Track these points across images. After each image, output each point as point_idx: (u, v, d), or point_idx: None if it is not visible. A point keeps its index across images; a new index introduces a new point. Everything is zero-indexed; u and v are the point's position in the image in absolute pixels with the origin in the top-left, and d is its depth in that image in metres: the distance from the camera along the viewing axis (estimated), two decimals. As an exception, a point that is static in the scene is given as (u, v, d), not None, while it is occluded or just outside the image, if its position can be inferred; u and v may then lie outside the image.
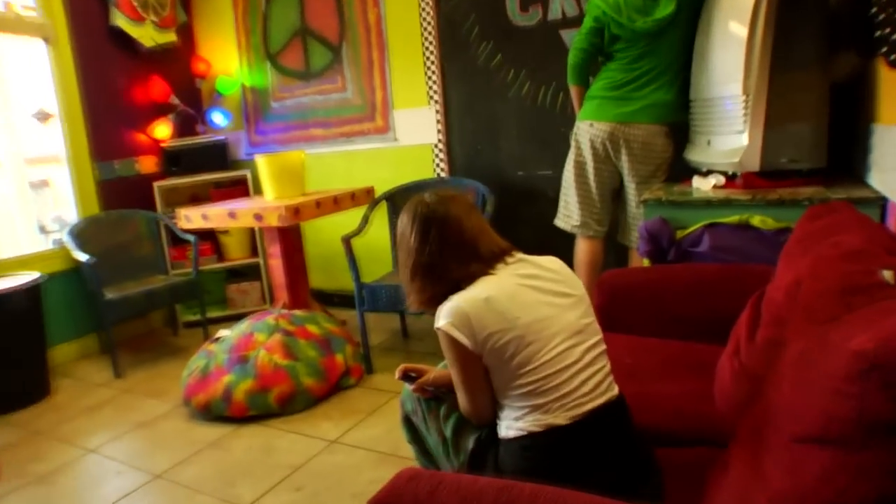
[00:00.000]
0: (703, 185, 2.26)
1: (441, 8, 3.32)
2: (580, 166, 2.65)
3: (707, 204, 2.09)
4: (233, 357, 2.65)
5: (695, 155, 2.44)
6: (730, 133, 2.19)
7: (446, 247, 1.31)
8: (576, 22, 3.00)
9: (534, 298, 1.27)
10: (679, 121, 2.52)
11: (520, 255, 1.37)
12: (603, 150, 2.56)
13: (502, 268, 1.32)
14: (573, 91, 2.70)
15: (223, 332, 2.88)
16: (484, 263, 1.31)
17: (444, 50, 3.35)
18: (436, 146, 3.48)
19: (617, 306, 1.99)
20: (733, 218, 2.03)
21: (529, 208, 3.27)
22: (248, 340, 2.71)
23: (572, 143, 2.66)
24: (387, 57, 3.51)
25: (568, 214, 2.75)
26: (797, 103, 2.08)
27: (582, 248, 2.74)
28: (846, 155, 2.27)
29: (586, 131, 2.59)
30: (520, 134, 3.26)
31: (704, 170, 2.35)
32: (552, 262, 1.37)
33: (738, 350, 1.33)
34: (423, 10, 3.36)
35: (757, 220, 1.99)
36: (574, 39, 2.60)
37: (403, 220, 1.38)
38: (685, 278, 1.97)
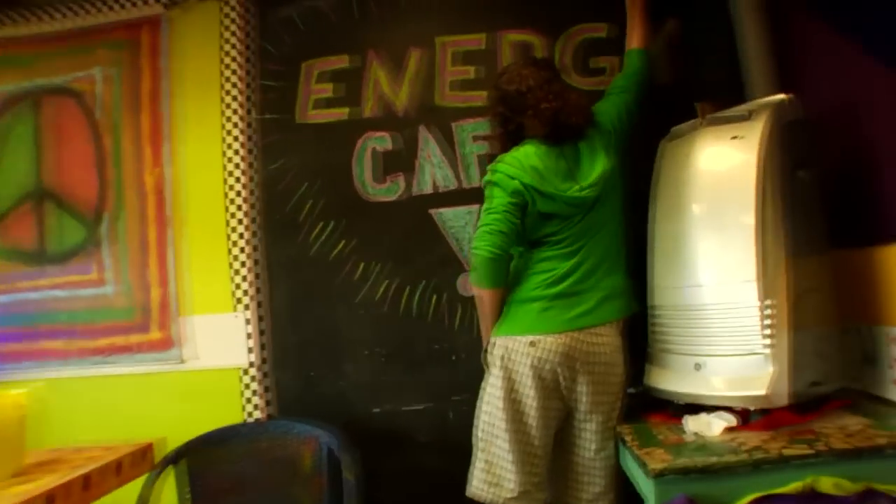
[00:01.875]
0: (705, 430, 1.55)
1: (260, 171, 2.40)
2: (515, 405, 1.77)
3: (746, 466, 1.37)
4: None
5: (670, 383, 1.73)
6: (739, 354, 1.59)
7: None
8: (455, 198, 2.24)
9: None
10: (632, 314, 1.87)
11: None
12: (552, 379, 1.75)
13: None
14: (486, 296, 1.86)
15: None
16: None
17: (262, 232, 2.36)
18: (246, 371, 2.39)
19: None
20: (794, 485, 1.34)
21: (395, 461, 2.24)
22: None
23: (494, 373, 1.79)
24: (171, 238, 2.44)
25: (495, 481, 1.77)
26: (814, 304, 1.61)
27: None
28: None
29: (525, 353, 1.75)
30: (374, 353, 2.30)
31: (682, 403, 1.68)
32: None
33: None
34: (231, 172, 2.40)
35: (827, 483, 1.32)
36: (482, 223, 1.83)
37: None
38: None
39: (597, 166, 1.87)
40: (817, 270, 1.63)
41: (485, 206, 1.86)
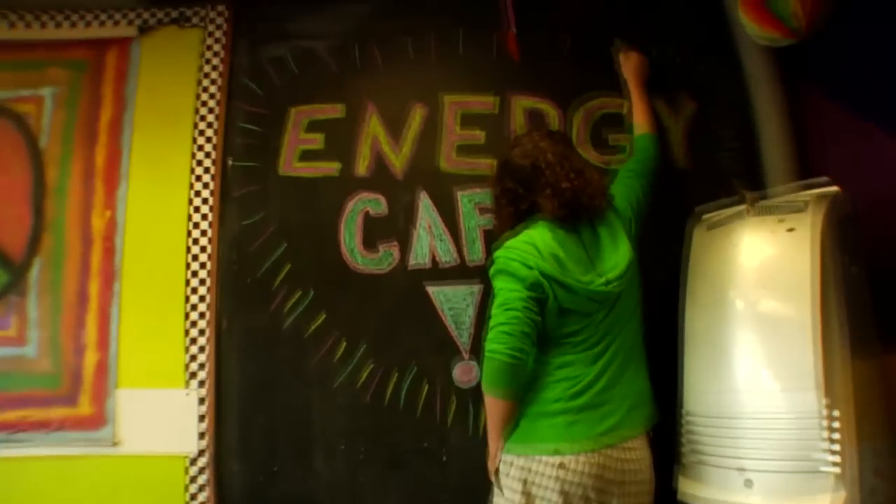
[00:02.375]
0: None
1: (226, 225, 2.08)
2: None
3: None
4: None
5: (715, 493, 1.52)
6: (797, 471, 1.41)
7: None
8: (455, 275, 2.00)
9: None
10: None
11: None
12: None
13: None
14: (501, 406, 1.58)
15: None
16: None
17: (228, 296, 2.05)
18: (195, 461, 2.02)
19: None
20: None
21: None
22: None
23: (511, 497, 1.52)
24: (117, 294, 2.08)
25: None
26: (872, 414, 1.49)
27: None
28: None
29: (553, 476, 1.49)
30: (352, 448, 1.99)
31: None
32: None
33: None
34: (197, 224, 2.07)
35: None
36: (497, 322, 1.55)
37: None
38: None
39: (621, 256, 1.68)
40: (872, 377, 1.51)
41: (498, 299, 1.60)
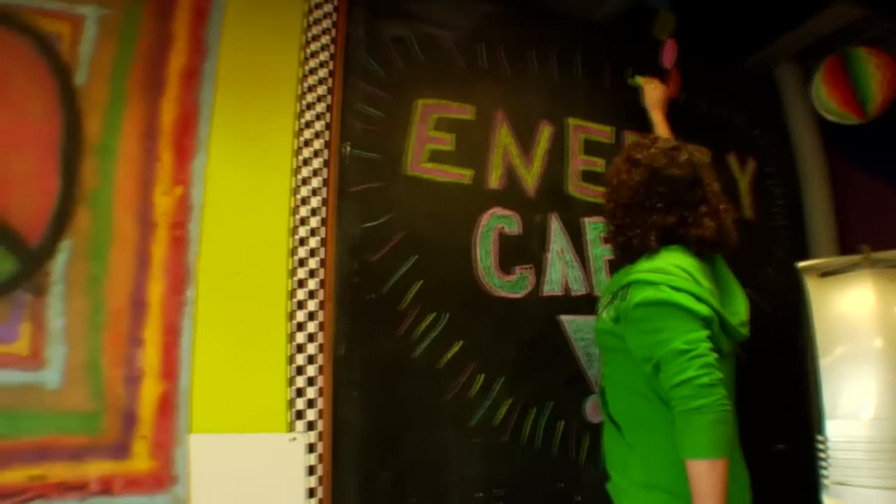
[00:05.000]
0: None
1: (344, 226, 1.76)
2: None
3: None
4: None
5: None
6: None
7: None
8: (585, 306, 1.98)
9: None
10: None
11: None
12: None
13: None
14: (722, 472, 1.37)
15: None
16: None
17: (344, 315, 1.71)
18: None
19: None
20: None
21: None
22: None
23: None
24: (191, 302, 1.58)
25: None
26: None
27: None
28: None
29: None
30: (489, 495, 1.77)
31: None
32: None
33: None
34: (304, 220, 1.72)
35: None
36: (681, 373, 1.38)
37: None
38: None
39: (744, 297, 1.71)
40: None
41: (672, 345, 1.41)
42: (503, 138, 2.02)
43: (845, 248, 2.33)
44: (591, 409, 1.96)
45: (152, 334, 1.55)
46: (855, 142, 2.44)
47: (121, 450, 1.48)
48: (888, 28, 2.23)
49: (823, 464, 1.90)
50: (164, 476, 1.51)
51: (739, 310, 1.64)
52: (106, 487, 1.45)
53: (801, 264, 2.04)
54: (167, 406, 1.54)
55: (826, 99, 2.29)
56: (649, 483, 1.52)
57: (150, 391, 1.52)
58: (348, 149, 1.80)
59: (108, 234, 1.55)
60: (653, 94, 2.20)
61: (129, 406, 1.50)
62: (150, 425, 1.52)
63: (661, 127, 2.14)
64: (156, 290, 1.57)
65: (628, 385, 1.60)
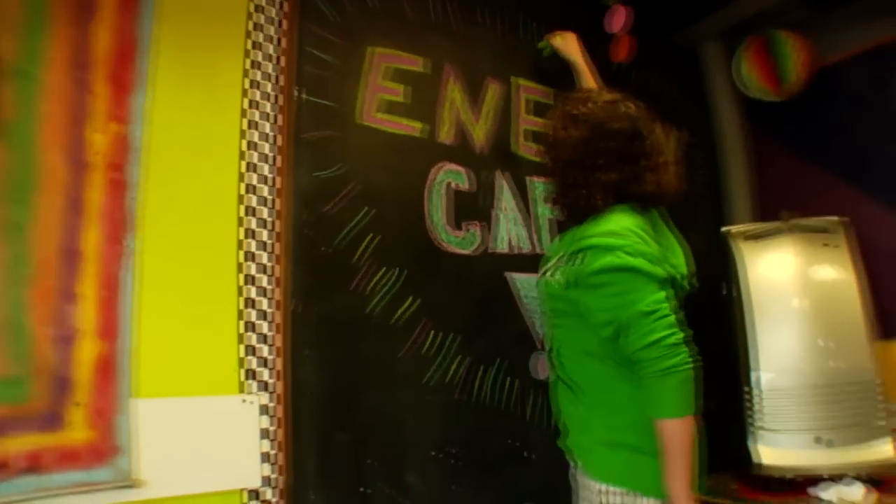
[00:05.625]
0: (849, 497, 1.81)
1: (302, 177, 1.66)
2: None
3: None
4: None
5: (790, 460, 1.93)
6: (860, 424, 1.92)
7: None
8: (529, 264, 1.99)
9: None
10: None
11: None
12: None
13: None
14: (691, 430, 1.43)
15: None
16: None
17: (298, 269, 1.62)
18: (256, 495, 1.51)
19: None
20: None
21: None
22: None
23: None
24: (132, 253, 1.42)
25: None
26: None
27: None
28: None
29: None
30: (445, 454, 1.76)
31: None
32: None
33: None
34: (254, 166, 1.60)
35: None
36: (651, 334, 1.41)
37: None
38: None
39: (683, 249, 1.74)
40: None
41: (638, 306, 1.43)
42: (452, 93, 1.98)
43: (763, 215, 2.51)
44: (538, 367, 2.01)
45: (88, 288, 1.38)
46: (774, 118, 2.63)
47: (52, 420, 1.32)
48: (804, 15, 2.41)
49: (750, 413, 2.07)
50: (104, 447, 1.37)
51: (680, 261, 1.69)
52: (33, 464, 1.29)
53: (728, 229, 2.19)
54: (107, 369, 1.38)
55: (748, 76, 2.45)
56: (613, 441, 1.56)
57: (86, 352, 1.37)
58: (299, 93, 1.70)
59: (32, 173, 1.36)
60: (565, 43, 2.13)
61: (60, 370, 1.34)
62: (88, 391, 1.36)
63: (585, 73, 2.10)
64: (91, 238, 1.40)
65: (583, 348, 1.63)
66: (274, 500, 1.52)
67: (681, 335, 1.44)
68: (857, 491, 1.82)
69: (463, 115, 2.00)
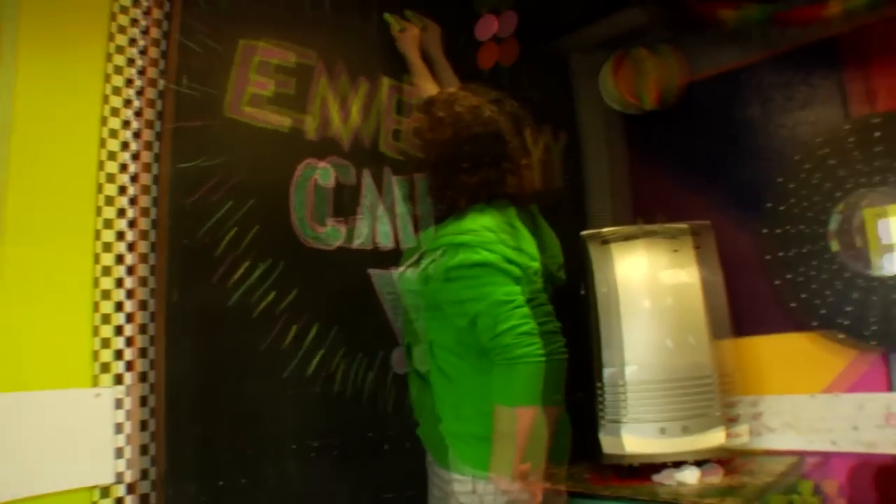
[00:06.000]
0: (688, 479, 2.07)
1: (165, 167, 1.63)
2: None
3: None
4: None
5: (637, 447, 2.15)
6: (699, 416, 2.17)
7: None
8: (392, 260, 2.09)
9: None
10: None
11: None
12: None
13: None
14: (531, 419, 1.57)
15: None
16: None
17: (159, 259, 1.60)
18: (107, 492, 1.45)
19: None
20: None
21: None
22: None
23: None
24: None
25: None
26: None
27: None
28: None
29: None
30: (304, 446, 1.81)
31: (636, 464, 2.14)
32: None
33: None
34: (113, 154, 1.55)
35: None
36: (503, 322, 1.54)
37: None
38: None
39: (556, 243, 1.99)
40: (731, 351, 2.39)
41: (492, 298, 1.57)
42: (321, 89, 2.02)
43: (635, 220, 2.70)
44: (397, 361, 2.10)
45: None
46: (646, 128, 2.87)
47: None
48: (665, 36, 2.66)
49: (601, 406, 2.27)
50: (-63, 444, 1.30)
51: (555, 252, 1.88)
52: None
53: (586, 232, 2.38)
54: (-58, 362, 1.32)
55: (612, 89, 2.68)
56: (462, 432, 1.71)
57: (-82, 344, 1.29)
58: (166, 83, 1.67)
59: None
60: (404, 37, 2.18)
61: None
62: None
63: (418, 70, 2.16)
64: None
65: (439, 341, 1.75)
66: (126, 495, 1.51)
67: (535, 326, 1.57)
68: (694, 475, 2.08)
69: (332, 112, 2.04)
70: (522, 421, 1.56)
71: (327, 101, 2.03)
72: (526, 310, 1.59)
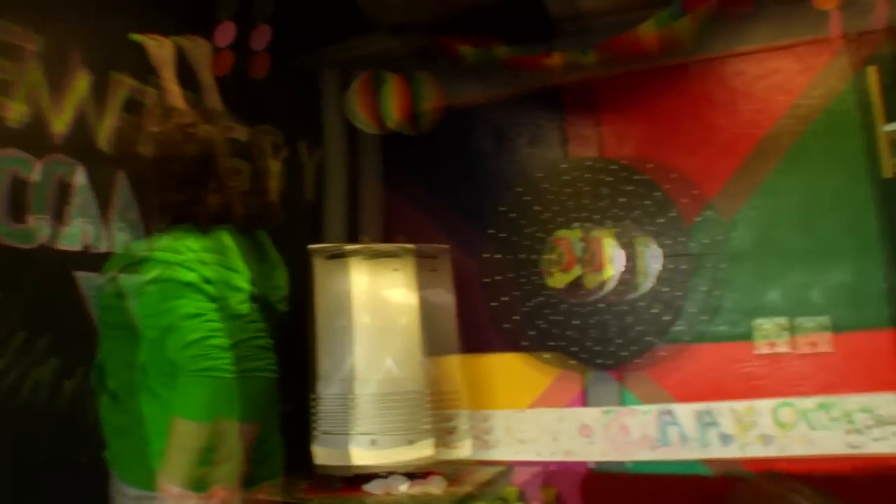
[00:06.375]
0: (395, 488, 2.13)
1: None
2: None
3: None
4: None
5: (346, 459, 2.16)
6: (407, 430, 2.24)
7: None
8: (101, 265, 1.92)
9: None
10: None
11: None
12: None
13: None
14: (199, 436, 1.52)
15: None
16: None
17: None
18: None
19: None
20: None
21: None
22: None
23: None
24: None
25: None
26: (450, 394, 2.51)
27: None
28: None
29: None
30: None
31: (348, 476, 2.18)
32: None
33: None
34: None
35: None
36: (190, 332, 1.51)
37: None
38: None
39: (282, 272, 2.05)
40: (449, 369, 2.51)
41: (182, 310, 1.54)
42: (31, 71, 1.86)
43: (386, 238, 2.83)
44: (101, 370, 1.97)
45: None
46: (402, 149, 2.99)
47: None
48: (412, 63, 2.80)
49: (314, 417, 2.29)
50: None
51: (280, 283, 1.88)
52: None
53: (312, 247, 2.41)
54: None
55: (356, 109, 2.75)
56: (148, 449, 1.62)
57: None
58: None
59: None
60: (157, 51, 2.11)
61: None
62: None
63: (170, 86, 2.09)
64: None
65: (128, 360, 1.68)
66: None
67: (225, 340, 1.54)
68: (403, 485, 2.15)
69: (44, 98, 1.89)
70: (196, 437, 1.52)
71: (37, 86, 1.87)
72: (217, 324, 1.56)
